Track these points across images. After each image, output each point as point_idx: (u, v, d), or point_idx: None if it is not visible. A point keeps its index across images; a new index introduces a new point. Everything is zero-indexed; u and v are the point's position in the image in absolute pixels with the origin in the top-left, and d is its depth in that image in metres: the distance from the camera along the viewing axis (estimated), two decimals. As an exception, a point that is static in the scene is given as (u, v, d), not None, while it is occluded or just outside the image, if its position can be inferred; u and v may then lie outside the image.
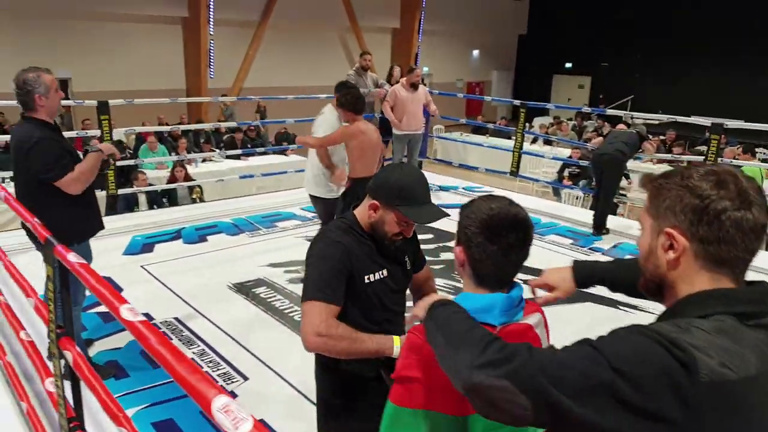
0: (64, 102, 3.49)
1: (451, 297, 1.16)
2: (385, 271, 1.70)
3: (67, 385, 1.75)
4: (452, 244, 2.27)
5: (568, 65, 20.23)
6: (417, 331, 1.23)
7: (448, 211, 1.73)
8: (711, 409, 0.79)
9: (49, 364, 2.01)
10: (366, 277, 1.65)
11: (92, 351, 3.36)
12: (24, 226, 2.95)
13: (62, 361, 1.71)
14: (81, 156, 2.92)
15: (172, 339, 3.56)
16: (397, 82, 6.71)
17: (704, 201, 0.88)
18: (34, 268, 3.27)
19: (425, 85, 7.15)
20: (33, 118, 2.78)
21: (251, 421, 0.83)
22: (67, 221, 2.81)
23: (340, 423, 1.75)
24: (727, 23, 16.14)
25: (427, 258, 2.06)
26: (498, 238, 1.20)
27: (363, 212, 1.71)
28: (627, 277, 1.28)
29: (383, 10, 16.72)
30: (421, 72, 6.42)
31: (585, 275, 1.38)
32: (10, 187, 3.43)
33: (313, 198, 4.39)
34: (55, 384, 1.79)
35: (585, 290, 1.47)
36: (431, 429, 1.23)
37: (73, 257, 1.51)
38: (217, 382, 3.11)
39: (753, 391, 0.82)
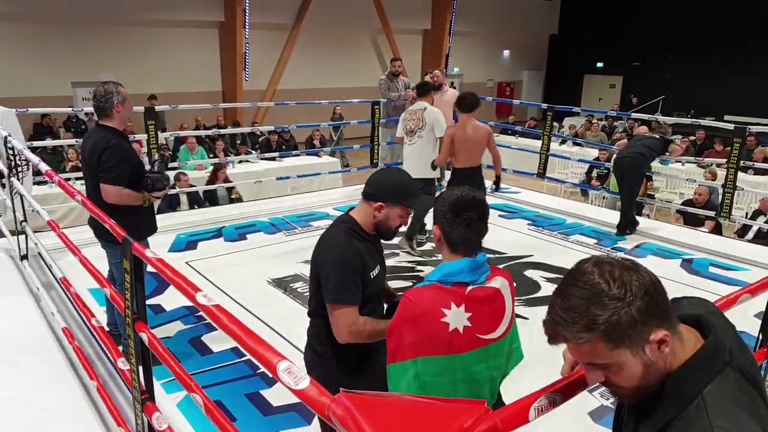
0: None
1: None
2: (380, 266, 2.01)
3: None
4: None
5: (600, 65, 20.08)
6: (407, 293, 1.63)
7: None
8: None
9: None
10: (371, 272, 1.94)
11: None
12: (91, 224, 3.29)
13: (135, 340, 2.01)
14: (144, 168, 3.22)
15: (216, 330, 3.86)
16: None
17: (645, 300, 0.94)
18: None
19: (454, 87, 7.34)
20: (106, 126, 3.12)
21: (308, 379, 1.08)
22: (129, 222, 3.14)
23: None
24: (761, 22, 15.83)
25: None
26: (462, 213, 1.63)
27: (364, 215, 1.96)
28: None
29: (414, 12, 16.93)
30: (445, 72, 6.60)
31: None
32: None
33: (424, 180, 4.99)
34: (129, 362, 2.09)
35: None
36: (427, 370, 1.60)
37: (149, 253, 1.80)
38: (259, 368, 3.39)
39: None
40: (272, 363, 1.16)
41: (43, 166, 3.19)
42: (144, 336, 1.90)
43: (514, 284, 1.81)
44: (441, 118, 5.07)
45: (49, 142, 7.92)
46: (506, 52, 20.61)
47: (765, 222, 6.30)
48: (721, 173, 6.37)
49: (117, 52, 12.71)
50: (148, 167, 3.36)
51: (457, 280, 1.61)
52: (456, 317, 1.59)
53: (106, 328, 3.56)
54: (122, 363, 2.31)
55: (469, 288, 1.62)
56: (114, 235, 3.13)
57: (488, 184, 5.45)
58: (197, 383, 1.78)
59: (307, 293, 4.34)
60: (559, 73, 21.17)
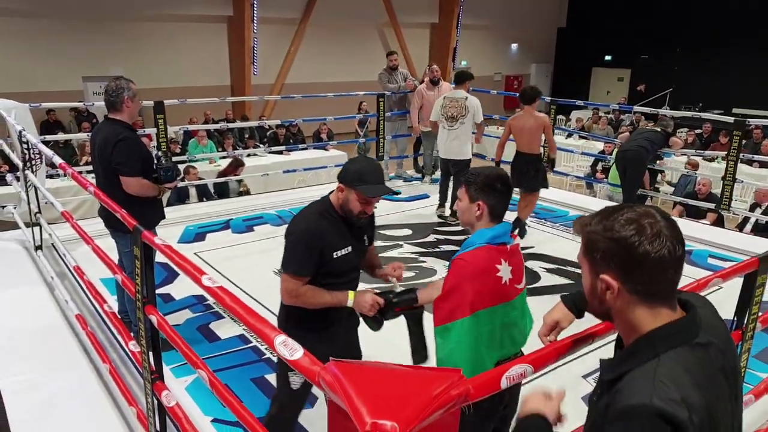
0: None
1: None
2: (350, 248, 2.17)
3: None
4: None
5: (608, 58, 19.99)
6: (463, 257, 1.89)
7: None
8: None
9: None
10: (335, 252, 2.12)
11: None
12: (102, 215, 3.42)
13: (144, 323, 2.13)
14: (153, 160, 3.34)
15: (224, 317, 3.98)
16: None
17: (629, 249, 1.05)
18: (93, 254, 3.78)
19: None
20: (116, 119, 3.25)
21: (302, 351, 1.19)
22: (138, 211, 3.26)
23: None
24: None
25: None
26: (499, 187, 1.96)
27: (335, 197, 2.15)
28: None
29: (422, 5, 16.94)
30: (452, 66, 6.74)
31: (575, 306, 1.57)
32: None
33: (462, 161, 5.68)
34: (140, 344, 2.22)
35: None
36: (484, 321, 1.86)
37: (158, 240, 1.92)
38: (264, 354, 3.51)
39: (712, 408, 1.03)
40: (270, 337, 1.27)
41: (57, 159, 3.32)
42: (153, 318, 2.02)
43: None
44: (480, 107, 5.72)
45: (60, 136, 8.08)
46: (514, 46, 20.56)
47: (762, 213, 6.33)
48: (722, 166, 6.40)
49: (127, 47, 12.85)
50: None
51: (501, 241, 1.95)
52: (505, 271, 1.94)
53: (118, 316, 3.71)
54: (133, 345, 2.44)
55: (509, 247, 1.98)
56: (124, 225, 3.28)
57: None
58: (202, 360, 1.90)
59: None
60: (567, 66, 21.09)
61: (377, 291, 2.20)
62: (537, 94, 5.21)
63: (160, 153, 3.44)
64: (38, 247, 4.64)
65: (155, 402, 2.19)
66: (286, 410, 2.31)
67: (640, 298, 1.09)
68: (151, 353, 2.20)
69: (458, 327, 1.82)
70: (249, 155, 9.33)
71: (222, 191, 7.81)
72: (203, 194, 7.63)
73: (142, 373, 2.30)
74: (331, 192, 2.19)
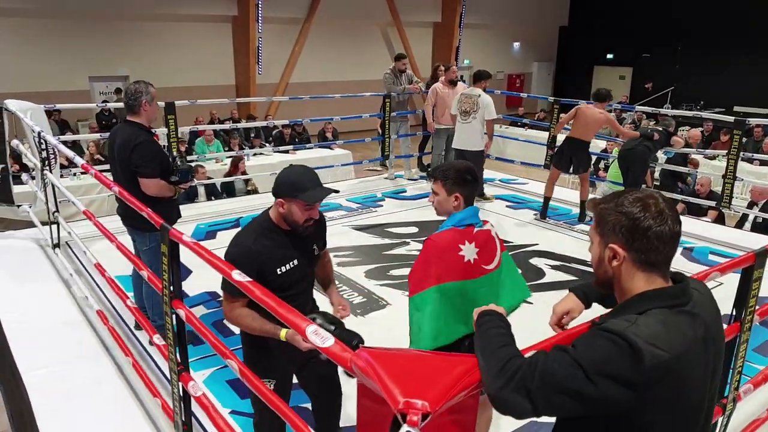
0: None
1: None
2: (295, 261, 2.12)
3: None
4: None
5: (609, 56, 20.06)
6: (431, 237, 2.19)
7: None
8: (656, 382, 1.14)
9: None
10: (278, 269, 2.07)
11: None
12: (121, 213, 3.53)
13: (171, 316, 2.24)
14: (170, 161, 3.45)
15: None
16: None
17: (635, 222, 1.24)
18: (113, 251, 3.88)
19: (463, 81, 7.53)
20: (134, 122, 3.35)
21: (333, 339, 1.30)
22: (156, 210, 3.37)
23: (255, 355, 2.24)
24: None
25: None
26: (468, 177, 2.24)
27: (275, 212, 2.11)
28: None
29: (425, 4, 17.04)
30: (457, 68, 6.90)
31: (586, 296, 1.66)
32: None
33: (474, 151, 6.09)
34: (166, 337, 2.33)
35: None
36: (447, 294, 2.13)
37: (186, 237, 2.03)
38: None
39: (683, 364, 1.19)
40: (301, 327, 1.38)
41: (79, 160, 3.43)
42: (181, 312, 2.13)
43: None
44: (492, 105, 6.11)
45: (69, 137, 8.19)
46: (516, 44, 20.64)
47: (760, 211, 6.44)
48: (722, 164, 6.49)
49: (133, 47, 12.97)
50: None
51: (468, 223, 2.22)
52: (469, 251, 2.18)
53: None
54: (157, 339, 2.55)
55: (475, 229, 2.23)
56: (144, 223, 3.39)
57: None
58: (231, 351, 2.01)
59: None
60: (569, 64, 21.16)
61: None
62: (607, 95, 5.86)
63: (176, 155, 3.54)
64: (56, 245, 4.75)
65: (181, 391, 2.30)
66: (265, 414, 2.16)
67: (640, 266, 1.26)
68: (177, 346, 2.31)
69: (424, 297, 2.14)
70: (255, 154, 9.46)
71: (229, 190, 7.93)
72: (211, 193, 7.75)
73: (168, 365, 2.41)
74: (269, 208, 2.15)
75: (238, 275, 1.67)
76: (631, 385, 1.13)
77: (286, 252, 2.10)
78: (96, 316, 3.82)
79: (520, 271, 2.57)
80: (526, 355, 1.23)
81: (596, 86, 20.41)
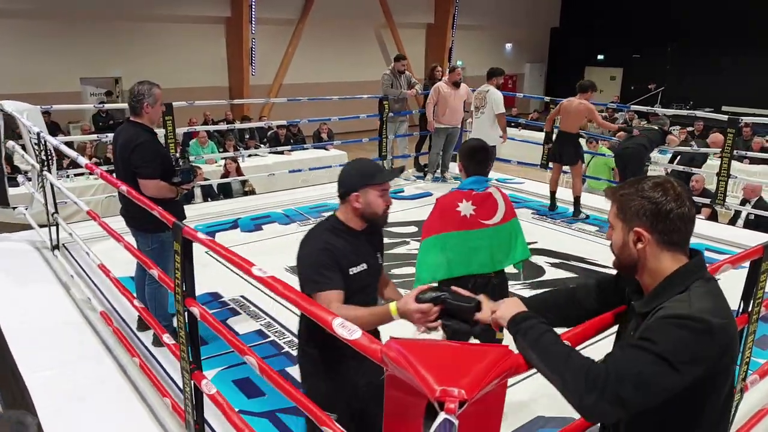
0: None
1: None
2: (365, 264, 2.05)
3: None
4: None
5: (600, 57, 20.24)
6: (439, 198, 2.86)
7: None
8: (725, 350, 1.26)
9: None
10: (351, 269, 1.98)
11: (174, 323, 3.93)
12: (124, 214, 3.52)
13: (184, 315, 2.24)
14: (172, 161, 3.44)
15: (240, 313, 4.10)
16: (439, 80, 7.15)
17: (658, 206, 1.32)
18: (113, 252, 3.87)
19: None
20: (137, 122, 3.34)
21: (360, 331, 1.31)
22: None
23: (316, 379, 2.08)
24: (757, 14, 16.02)
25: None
26: (476, 155, 2.84)
27: (345, 213, 2.03)
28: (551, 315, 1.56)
29: (418, 6, 17.09)
30: (461, 70, 6.96)
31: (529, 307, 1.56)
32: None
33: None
34: (179, 335, 2.33)
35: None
36: (448, 242, 2.71)
37: (201, 235, 2.03)
38: (284, 348, 3.64)
39: (735, 326, 1.30)
40: (327, 320, 1.39)
41: (83, 160, 3.42)
42: (196, 310, 2.13)
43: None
44: (500, 99, 6.37)
45: (64, 138, 8.12)
46: (508, 45, 20.75)
47: (753, 208, 6.54)
48: (715, 162, 6.58)
49: (125, 48, 12.89)
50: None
51: (468, 188, 2.79)
52: (465, 208, 2.75)
53: (137, 313, 3.79)
54: (167, 338, 2.54)
55: (474, 192, 2.78)
56: (147, 224, 3.38)
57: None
58: (250, 348, 2.01)
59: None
60: (560, 65, 21.31)
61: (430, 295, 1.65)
62: (590, 86, 6.12)
63: (178, 155, 3.53)
64: (55, 247, 4.72)
65: (193, 390, 2.30)
66: None
67: (664, 246, 1.34)
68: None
69: (428, 242, 2.78)
70: (250, 155, 9.43)
71: (226, 191, 7.91)
72: (208, 194, 7.73)
73: (180, 364, 2.40)
74: (334, 212, 2.09)
75: (258, 271, 1.67)
76: (710, 359, 1.22)
77: (357, 254, 2.02)
78: (96, 318, 3.81)
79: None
80: (597, 360, 1.26)
81: (588, 87, 20.77)
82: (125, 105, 3.52)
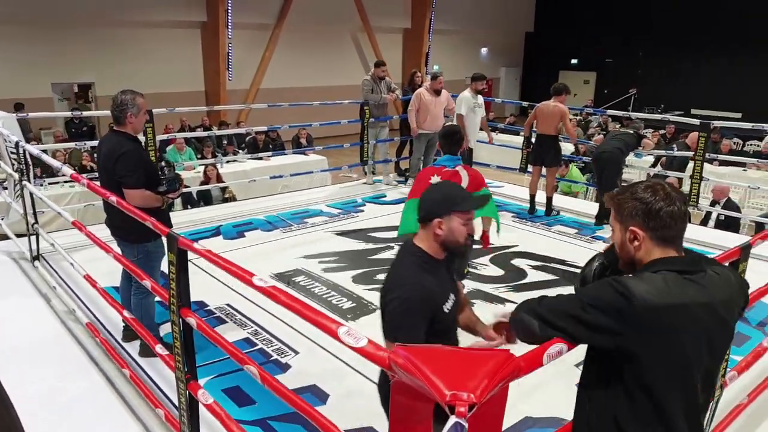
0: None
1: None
2: (452, 295, 1.94)
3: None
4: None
5: (574, 61, 20.64)
6: (419, 171, 4.34)
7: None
8: (647, 325, 1.34)
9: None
10: (444, 306, 1.87)
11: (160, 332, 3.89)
12: (110, 224, 3.48)
13: (180, 324, 2.24)
14: (156, 169, 3.42)
15: (227, 322, 4.08)
16: (419, 86, 7.22)
17: (648, 205, 1.45)
18: (94, 262, 3.82)
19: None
20: (120, 131, 3.32)
21: (366, 339, 1.35)
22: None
23: None
24: (724, 19, 16.55)
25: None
26: (450, 138, 3.89)
27: (427, 241, 1.90)
28: None
29: (394, 11, 17.20)
30: (443, 78, 7.01)
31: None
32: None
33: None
34: (174, 346, 2.33)
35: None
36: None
37: (198, 245, 2.04)
38: (272, 356, 3.64)
39: (675, 317, 1.35)
40: (333, 329, 1.43)
41: (67, 170, 3.38)
42: (192, 321, 2.14)
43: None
44: (461, 101, 6.62)
45: (40, 146, 7.98)
46: (484, 50, 21.01)
47: (722, 209, 6.77)
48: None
49: (98, 53, 12.71)
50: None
51: (441, 164, 3.78)
52: (435, 180, 3.50)
53: (122, 324, 3.76)
54: (160, 348, 2.54)
55: (446, 168, 3.71)
56: (132, 234, 3.36)
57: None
58: (250, 357, 2.03)
59: (311, 286, 4.63)
60: (535, 69, 21.67)
61: None
62: (563, 89, 6.36)
63: (163, 164, 3.51)
64: (35, 258, 4.64)
65: (188, 400, 2.30)
66: None
67: (657, 242, 1.46)
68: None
69: (409, 203, 3.76)
70: (229, 161, 9.38)
71: (206, 198, 7.86)
72: (188, 201, 7.66)
73: (175, 374, 2.40)
74: (411, 240, 1.96)
75: (258, 281, 1.70)
76: (620, 318, 1.34)
77: (443, 287, 1.90)
78: (79, 330, 3.76)
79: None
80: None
81: (562, 91, 21.17)
82: (103, 113, 3.49)
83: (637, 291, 1.34)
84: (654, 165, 8.74)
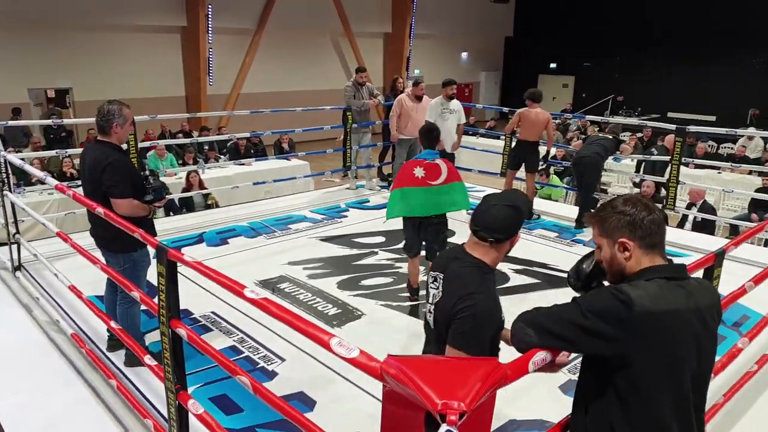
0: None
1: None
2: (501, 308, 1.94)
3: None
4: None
5: (553, 66, 20.94)
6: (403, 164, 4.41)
7: None
8: (643, 330, 1.42)
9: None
10: (502, 315, 1.89)
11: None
12: (94, 234, 3.47)
13: (169, 336, 2.26)
14: (142, 179, 3.42)
15: (212, 330, 4.08)
16: (401, 91, 7.28)
17: (632, 217, 1.55)
18: (76, 272, 3.78)
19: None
20: (106, 141, 3.32)
21: (358, 350, 1.39)
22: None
23: None
24: (698, 25, 16.97)
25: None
26: (429, 135, 4.29)
27: (497, 258, 1.94)
28: None
29: (375, 15, 17.27)
30: (424, 84, 7.05)
31: None
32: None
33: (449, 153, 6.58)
34: (164, 357, 2.34)
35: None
36: (405, 193, 4.12)
37: (188, 258, 2.06)
38: (259, 363, 3.65)
39: (670, 322, 1.43)
40: (324, 340, 1.46)
41: (52, 181, 3.36)
42: (182, 332, 2.15)
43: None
44: (430, 108, 6.64)
45: (31, 154, 7.87)
46: (464, 54, 21.20)
47: (698, 211, 6.94)
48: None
49: (76, 58, 12.56)
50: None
51: (422, 158, 4.14)
52: (418, 171, 4.07)
53: (106, 334, 3.74)
54: (148, 359, 2.55)
55: (427, 161, 4.10)
56: (116, 244, 3.35)
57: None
58: (242, 369, 2.05)
59: (296, 292, 4.64)
60: (514, 73, 21.93)
61: None
62: (541, 95, 6.50)
63: (148, 172, 3.51)
64: (16, 268, 4.58)
65: (177, 410, 2.32)
66: None
67: (645, 250, 1.55)
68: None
69: (395, 192, 4.16)
70: (210, 167, 9.32)
71: (188, 205, 7.82)
72: (170, 208, 7.61)
73: (165, 385, 2.41)
74: (464, 250, 1.97)
75: (250, 293, 1.73)
76: (620, 325, 1.40)
77: (497, 300, 1.92)
78: (62, 341, 3.72)
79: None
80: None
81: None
82: (82, 120, 3.45)
83: (636, 298, 1.41)
84: (637, 170, 8.92)
